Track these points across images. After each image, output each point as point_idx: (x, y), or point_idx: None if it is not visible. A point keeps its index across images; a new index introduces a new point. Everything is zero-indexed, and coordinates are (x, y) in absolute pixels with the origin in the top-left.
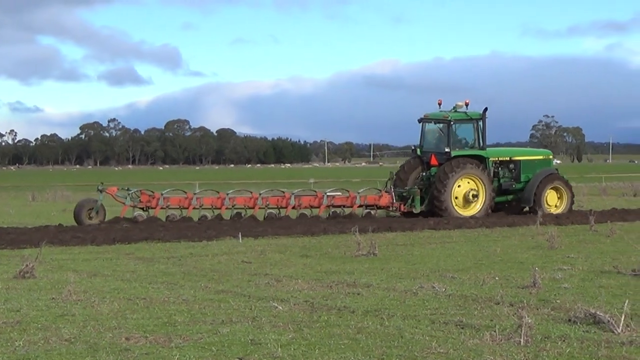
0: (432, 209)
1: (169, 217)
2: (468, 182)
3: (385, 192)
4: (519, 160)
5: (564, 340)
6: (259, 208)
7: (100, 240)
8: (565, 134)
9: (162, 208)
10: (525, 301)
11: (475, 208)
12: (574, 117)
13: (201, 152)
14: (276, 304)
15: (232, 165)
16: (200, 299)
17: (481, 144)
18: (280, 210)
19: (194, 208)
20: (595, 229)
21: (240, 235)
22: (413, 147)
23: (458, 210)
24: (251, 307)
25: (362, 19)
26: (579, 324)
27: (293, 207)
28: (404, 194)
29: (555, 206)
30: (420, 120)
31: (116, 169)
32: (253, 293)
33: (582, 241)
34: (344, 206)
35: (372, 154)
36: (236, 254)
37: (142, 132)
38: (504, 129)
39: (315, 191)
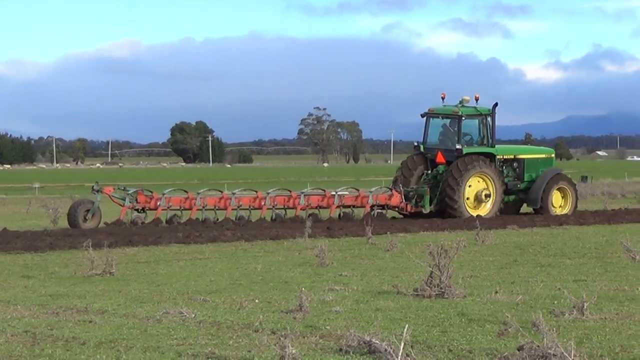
0: (443, 208)
1: (171, 219)
2: (479, 181)
3: (396, 191)
4: (523, 159)
5: None
6: (267, 208)
7: None
8: (339, 130)
9: (163, 209)
10: (289, 328)
11: (486, 208)
12: (350, 110)
13: None
14: None
15: None
16: None
17: (490, 140)
18: (288, 210)
19: (197, 209)
20: (373, 241)
21: None
22: (416, 143)
23: (469, 210)
24: None
25: None
26: (351, 353)
27: (302, 208)
28: (411, 193)
29: (560, 207)
30: (424, 115)
31: None
32: None
33: (357, 256)
34: (354, 206)
35: (110, 152)
36: None
37: None
38: (269, 123)
39: (324, 190)
